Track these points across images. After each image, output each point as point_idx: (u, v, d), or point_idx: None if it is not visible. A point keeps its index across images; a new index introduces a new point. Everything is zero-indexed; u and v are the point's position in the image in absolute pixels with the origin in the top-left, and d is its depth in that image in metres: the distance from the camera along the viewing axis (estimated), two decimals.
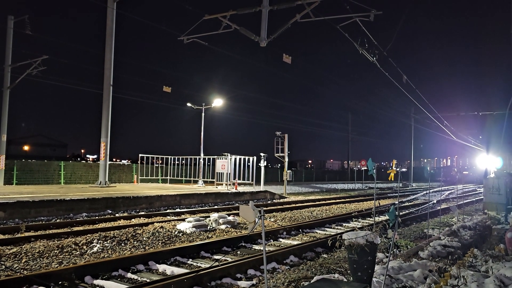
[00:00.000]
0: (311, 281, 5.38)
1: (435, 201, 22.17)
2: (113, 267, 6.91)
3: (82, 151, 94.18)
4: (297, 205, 19.48)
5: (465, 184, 42.98)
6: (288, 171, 27.44)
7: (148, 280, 6.29)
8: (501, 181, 14.65)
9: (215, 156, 25.49)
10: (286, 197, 24.45)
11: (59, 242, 8.74)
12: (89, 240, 8.86)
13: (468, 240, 9.71)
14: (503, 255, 7.81)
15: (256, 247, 9.32)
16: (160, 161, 31.68)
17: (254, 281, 6.53)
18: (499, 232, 9.55)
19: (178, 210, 16.04)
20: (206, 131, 28.49)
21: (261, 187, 24.80)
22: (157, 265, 7.33)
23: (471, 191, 35.55)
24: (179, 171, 28.52)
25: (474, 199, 24.60)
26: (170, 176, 28.28)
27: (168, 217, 13.83)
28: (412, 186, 46.16)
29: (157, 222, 11.98)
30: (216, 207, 17.83)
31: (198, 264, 7.59)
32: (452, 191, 32.04)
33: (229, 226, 11.47)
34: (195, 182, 26.66)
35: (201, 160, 27.17)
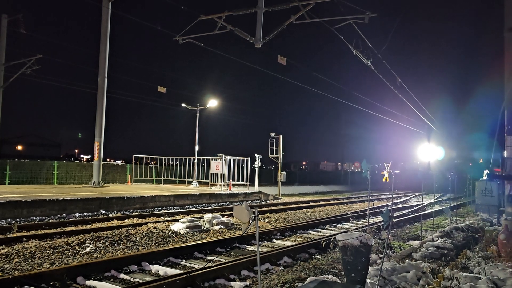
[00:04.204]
0: (305, 283, 5.38)
1: (427, 203, 22.26)
2: (105, 267, 6.86)
3: (76, 151, 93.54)
4: (291, 206, 19.49)
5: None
6: (283, 172, 27.45)
7: (140, 281, 6.26)
8: (493, 183, 14.75)
9: (210, 157, 25.46)
10: (280, 198, 24.45)
11: (51, 242, 8.66)
12: (82, 240, 8.80)
13: (461, 242, 9.76)
14: (495, 257, 7.87)
15: (250, 248, 9.30)
16: (154, 162, 31.57)
17: (247, 282, 6.51)
18: (492, 234, 9.60)
19: (172, 210, 15.97)
20: (201, 132, 28.47)
21: (255, 188, 24.78)
22: (150, 265, 7.29)
23: None
24: (173, 171, 28.43)
25: (466, 201, 24.73)
26: (164, 177, 28.19)
27: (162, 217, 13.77)
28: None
29: (150, 222, 11.92)
30: (210, 207, 17.79)
31: (192, 265, 7.56)
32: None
33: (223, 227, 11.44)
34: (189, 182, 26.58)
35: (195, 161, 27.12)
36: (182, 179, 27.67)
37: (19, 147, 72.29)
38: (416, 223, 14.50)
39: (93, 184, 21.12)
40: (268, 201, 22.82)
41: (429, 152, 29.87)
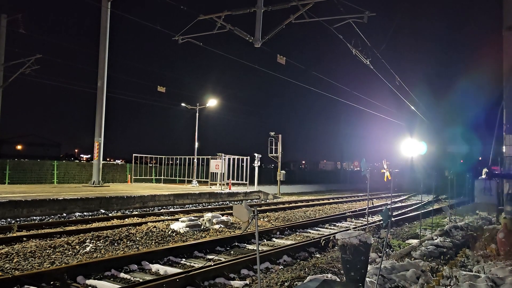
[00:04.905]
0: (304, 281, 5.39)
1: (426, 201, 22.25)
2: (105, 267, 6.88)
3: (76, 150, 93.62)
4: (290, 205, 19.50)
5: None
6: (282, 171, 27.49)
7: (140, 280, 6.28)
8: (493, 181, 14.76)
9: (209, 156, 25.49)
10: (279, 197, 24.48)
11: (51, 241, 8.68)
12: (82, 239, 8.82)
13: (460, 240, 9.79)
14: (494, 255, 7.88)
15: (250, 246, 9.32)
16: (154, 161, 31.62)
17: (247, 281, 6.53)
18: (491, 232, 9.62)
19: (171, 210, 16.00)
20: (201, 131, 28.49)
21: (255, 187, 24.80)
22: (150, 265, 7.31)
23: None
24: (173, 171, 28.47)
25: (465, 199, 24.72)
26: (164, 176, 28.22)
27: (162, 217, 13.79)
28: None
29: (150, 222, 11.94)
30: (210, 207, 17.81)
31: (192, 264, 7.58)
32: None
33: (222, 226, 11.47)
34: (189, 182, 26.61)
35: (195, 160, 27.15)
36: (182, 178, 27.72)
37: (19, 147, 72.33)
38: (415, 222, 14.52)
39: (93, 184, 21.13)
40: (267, 200, 22.85)
41: (414, 147, 29.20)
